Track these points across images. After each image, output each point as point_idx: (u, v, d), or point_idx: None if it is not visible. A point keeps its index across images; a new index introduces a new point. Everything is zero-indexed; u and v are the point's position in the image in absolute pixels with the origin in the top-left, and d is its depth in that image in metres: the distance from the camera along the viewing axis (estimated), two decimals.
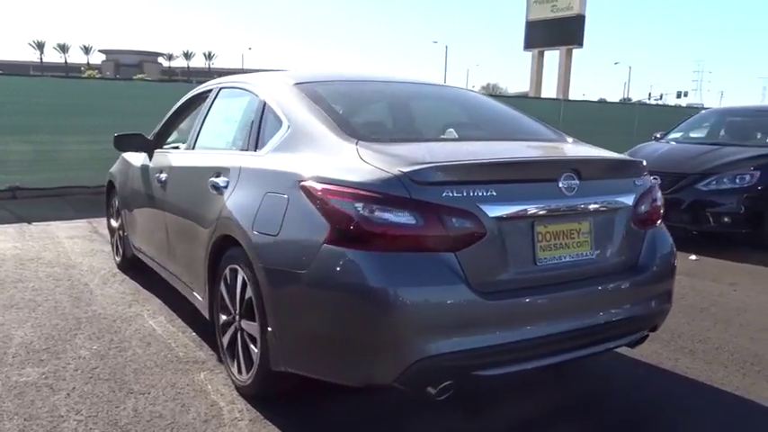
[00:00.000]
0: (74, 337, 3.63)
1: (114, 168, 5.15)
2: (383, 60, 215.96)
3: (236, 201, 2.85)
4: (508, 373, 2.27)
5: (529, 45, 30.52)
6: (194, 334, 3.70)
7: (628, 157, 2.84)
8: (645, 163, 2.79)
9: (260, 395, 2.82)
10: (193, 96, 4.24)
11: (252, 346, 2.77)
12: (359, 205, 2.21)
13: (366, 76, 3.76)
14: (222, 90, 3.72)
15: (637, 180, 2.70)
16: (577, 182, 2.44)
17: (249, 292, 2.73)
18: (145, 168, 4.32)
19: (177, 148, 4.54)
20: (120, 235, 5.07)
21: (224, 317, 3.06)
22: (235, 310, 2.91)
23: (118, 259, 5.19)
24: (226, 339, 3.04)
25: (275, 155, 2.79)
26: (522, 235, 2.35)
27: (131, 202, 4.60)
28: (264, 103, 3.08)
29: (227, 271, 2.96)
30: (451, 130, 2.91)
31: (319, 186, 2.36)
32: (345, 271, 2.22)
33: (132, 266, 5.00)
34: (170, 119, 4.48)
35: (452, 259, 2.20)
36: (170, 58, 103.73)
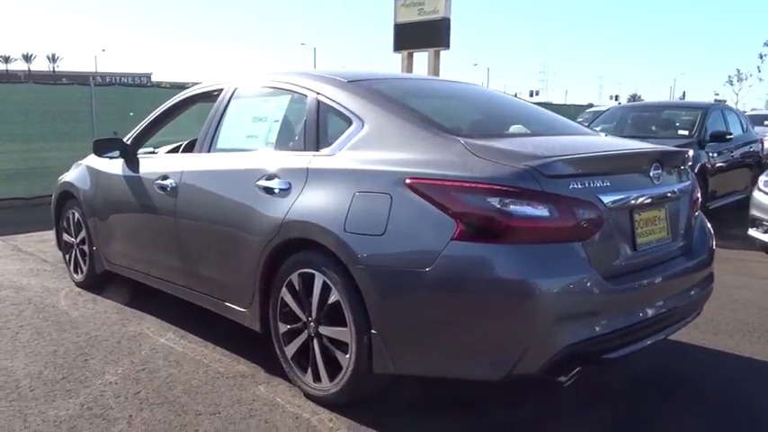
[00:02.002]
0: (86, 363, 3.28)
1: (72, 177, 4.69)
2: (245, 60, 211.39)
3: (309, 203, 2.74)
4: (629, 353, 2.40)
5: (398, 47, 31.54)
6: (220, 348, 3.49)
7: (682, 148, 3.09)
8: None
9: (343, 403, 2.73)
10: (186, 98, 3.99)
11: (338, 352, 2.68)
12: (493, 200, 2.24)
13: (399, 74, 3.75)
14: (239, 90, 3.54)
15: (689, 168, 2.95)
16: (660, 171, 2.64)
17: (334, 296, 2.64)
18: (132, 176, 3.98)
19: (154, 153, 4.27)
20: (82, 250, 4.62)
21: (287, 326, 2.92)
22: (307, 317, 2.80)
23: (78, 277, 4.72)
24: (291, 349, 2.91)
25: (352, 154, 2.72)
26: (625, 223, 2.49)
27: (108, 211, 4.21)
28: (319, 102, 2.99)
29: (293, 277, 2.84)
30: (519, 126, 3.00)
31: (438, 184, 2.35)
32: (482, 266, 2.23)
33: (97, 284, 4.59)
34: (152, 123, 4.17)
35: (581, 248, 2.29)
36: (7, 60, 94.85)
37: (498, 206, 2.23)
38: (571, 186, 2.30)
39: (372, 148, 2.68)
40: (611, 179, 2.42)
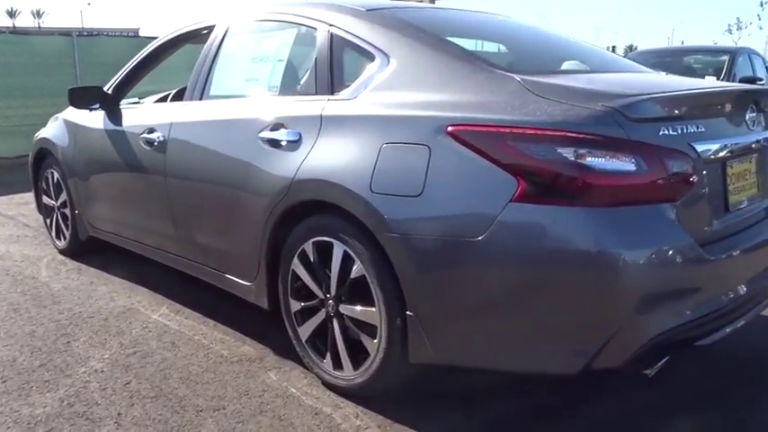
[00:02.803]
0: (68, 347, 2.85)
1: (49, 133, 4.17)
2: None
3: (325, 158, 2.26)
4: (722, 337, 1.96)
5: None
6: (222, 325, 3.05)
7: None
8: None
9: (370, 394, 2.31)
10: (174, 39, 3.45)
11: (363, 336, 2.25)
12: (566, 150, 1.76)
13: (422, 4, 3.21)
14: (234, 26, 3.01)
15: None
16: (756, 114, 2.16)
17: (358, 270, 2.19)
18: (114, 129, 3.48)
19: (138, 103, 3.75)
20: (64, 214, 4.15)
21: (300, 303, 2.48)
22: (325, 294, 2.36)
23: (61, 244, 4.26)
24: (306, 330, 2.47)
25: (377, 96, 2.23)
26: (717, 178, 2.03)
27: (90, 171, 3.72)
28: (333, 36, 2.47)
29: (306, 246, 2.38)
30: (575, 62, 2.50)
31: (491, 131, 1.87)
32: (551, 234, 1.77)
33: (84, 251, 4.13)
34: (135, 68, 3.63)
35: (673, 211, 1.83)
36: None
37: (573, 159, 1.76)
38: (661, 133, 1.82)
39: (402, 89, 2.19)
40: (705, 124, 1.95)
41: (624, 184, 1.76)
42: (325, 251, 2.33)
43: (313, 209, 2.36)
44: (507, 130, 1.84)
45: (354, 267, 2.21)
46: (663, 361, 1.86)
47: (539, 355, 1.88)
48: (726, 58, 7.36)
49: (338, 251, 2.26)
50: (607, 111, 1.77)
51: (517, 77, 1.98)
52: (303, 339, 2.49)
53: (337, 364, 2.37)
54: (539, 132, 1.80)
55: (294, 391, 2.43)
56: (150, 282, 3.63)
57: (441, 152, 1.95)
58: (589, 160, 1.75)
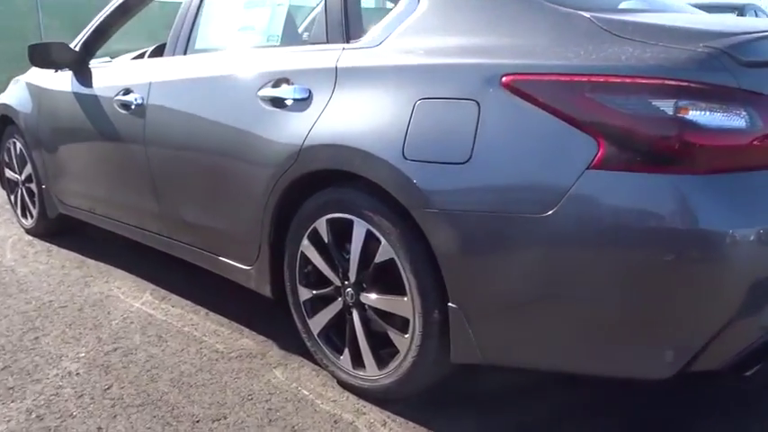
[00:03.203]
0: (36, 344, 2.45)
1: (9, 98, 3.69)
2: None
3: (342, 118, 1.88)
4: None
5: None
6: (215, 314, 2.67)
7: None
8: None
9: (397, 397, 1.96)
10: None
11: (392, 331, 1.89)
12: (662, 103, 1.40)
13: None
14: None
15: None
16: None
17: (385, 253, 1.83)
18: (84, 92, 3.04)
19: (110, 61, 3.30)
20: (29, 190, 3.70)
21: (310, 291, 2.11)
22: (342, 280, 1.99)
23: (28, 223, 3.82)
24: (319, 322, 2.11)
25: (406, 42, 1.84)
26: None
27: (57, 141, 3.28)
28: None
29: (318, 225, 2.01)
30: (632, 0, 2.12)
31: (561, 80, 1.50)
32: (645, 208, 1.42)
33: (54, 230, 3.70)
34: (106, 22, 3.17)
35: None
36: None
37: (672, 113, 1.40)
38: None
39: (439, 33, 1.80)
40: None
41: (735, 144, 1.41)
42: (342, 230, 1.97)
43: (327, 180, 1.98)
44: (585, 79, 1.47)
45: (380, 249, 1.85)
46: (763, 363, 1.53)
47: (623, 357, 1.54)
48: (734, 14, 7.15)
49: (360, 230, 1.89)
50: (712, 53, 1.41)
51: (587, 14, 1.60)
52: (315, 333, 2.13)
53: (358, 362, 2.02)
54: (627, 81, 1.43)
55: (306, 393, 2.08)
56: (130, 265, 3.22)
57: (494, 108, 1.58)
58: (693, 114, 1.39)
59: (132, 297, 2.87)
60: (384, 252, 1.84)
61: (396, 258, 1.81)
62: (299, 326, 2.19)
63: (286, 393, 2.07)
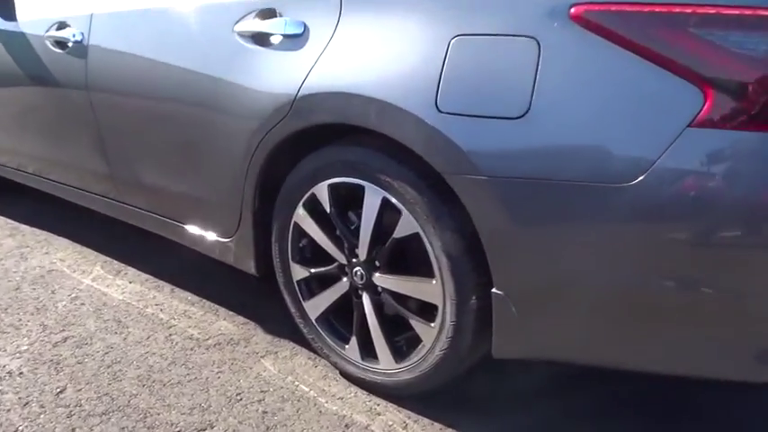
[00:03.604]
0: None
1: None
2: None
3: (352, 59, 1.50)
4: None
5: None
6: (182, 291, 2.30)
7: None
8: None
9: (415, 393, 1.67)
10: None
11: (414, 319, 1.58)
12: None
13: None
14: None
15: None
16: None
17: (409, 226, 1.50)
18: (6, 28, 2.51)
19: None
20: None
21: (307, 270, 1.77)
22: (348, 257, 1.66)
23: None
24: (317, 306, 1.78)
25: None
26: None
27: None
28: None
29: (319, 190, 1.65)
30: None
31: (656, 12, 1.17)
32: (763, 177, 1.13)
33: None
34: None
35: None
36: None
37: None
38: None
39: None
40: None
41: None
42: (349, 198, 1.62)
43: (329, 137, 1.62)
44: (689, 11, 1.14)
45: (401, 222, 1.51)
46: None
47: (720, 357, 1.27)
48: None
49: (373, 199, 1.55)
50: None
51: None
52: (313, 318, 1.80)
53: (368, 353, 1.71)
54: (745, 14, 1.11)
55: (305, 389, 1.76)
56: (73, 232, 2.78)
57: (559, 48, 1.24)
58: None
59: (80, 271, 2.45)
60: (406, 226, 1.51)
61: (421, 233, 1.48)
62: (292, 309, 1.86)
63: (282, 390, 1.75)
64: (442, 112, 1.35)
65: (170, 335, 2.02)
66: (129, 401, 1.70)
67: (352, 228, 1.65)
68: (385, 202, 1.53)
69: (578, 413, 1.66)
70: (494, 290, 1.40)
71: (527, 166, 1.28)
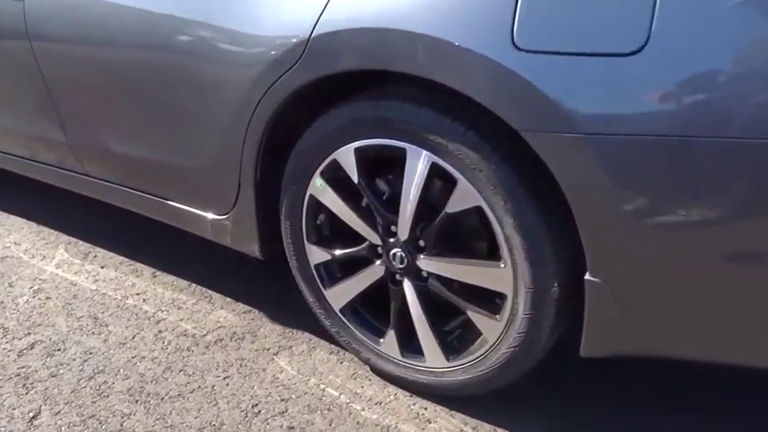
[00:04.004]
0: None
1: None
2: None
3: None
4: None
5: None
6: (166, 275, 1.96)
7: None
8: None
9: (469, 395, 1.39)
10: None
11: (473, 310, 1.29)
12: None
13: None
14: None
15: None
16: None
17: (467, 199, 1.19)
18: None
19: None
20: None
21: (328, 252, 1.45)
22: (384, 236, 1.34)
23: None
24: (343, 294, 1.48)
25: None
26: None
27: None
28: None
29: (342, 155, 1.32)
30: None
31: None
32: None
33: None
34: None
35: None
36: None
37: None
38: None
39: None
40: None
41: None
42: (384, 164, 1.29)
43: (356, 87, 1.28)
44: None
45: (457, 193, 1.20)
46: None
47: None
48: None
49: (418, 165, 1.22)
50: None
51: None
52: (336, 307, 1.49)
53: (409, 348, 1.42)
54: None
55: (334, 393, 1.47)
56: (29, 209, 2.38)
57: None
58: None
59: (40, 257, 2.08)
60: (463, 197, 1.19)
61: (485, 207, 1.17)
62: (309, 298, 1.54)
63: (307, 397, 1.46)
64: (520, 49, 1.02)
65: (159, 332, 1.69)
66: (122, 424, 1.39)
67: (387, 201, 1.32)
68: (434, 168, 1.21)
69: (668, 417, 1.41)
70: (588, 276, 1.10)
71: (642, 119, 0.97)
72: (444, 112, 1.16)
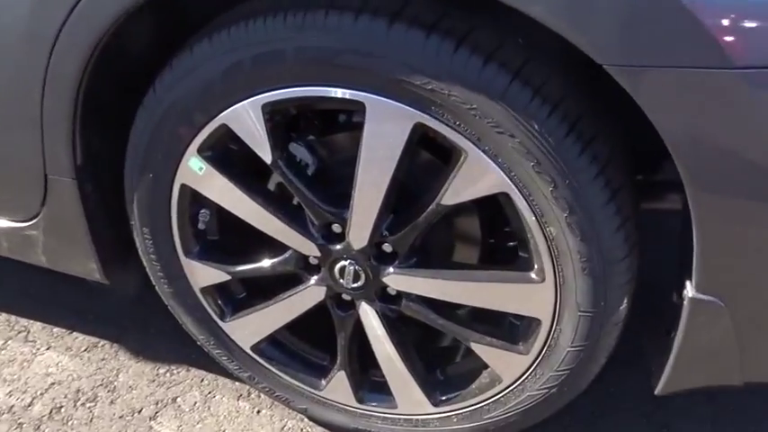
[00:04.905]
0: None
1: None
2: None
3: None
4: None
5: None
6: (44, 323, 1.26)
7: None
8: None
9: None
10: None
11: (485, 342, 0.84)
12: None
13: None
14: None
15: None
16: None
17: (488, 183, 0.72)
18: None
19: None
20: None
21: (223, 269, 0.90)
22: (326, 244, 0.82)
23: None
24: (257, 327, 0.95)
25: None
26: None
27: None
28: None
29: (237, 119, 0.76)
30: None
31: None
32: None
33: None
34: None
35: None
36: None
37: None
38: None
39: None
40: None
41: None
42: (311, 126, 0.75)
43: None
44: None
45: (462, 173, 0.71)
46: None
47: None
48: None
49: (391, 126, 0.71)
50: None
51: None
52: (246, 346, 0.96)
53: (371, 388, 0.95)
54: None
55: None
56: None
57: None
58: None
59: None
60: (476, 178, 0.72)
61: (515, 194, 0.69)
62: (199, 335, 0.99)
63: None
64: None
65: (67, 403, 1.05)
66: None
67: (324, 188, 0.80)
68: (416, 133, 0.69)
69: None
70: (692, 293, 0.69)
71: None
72: (443, 32, 0.63)
